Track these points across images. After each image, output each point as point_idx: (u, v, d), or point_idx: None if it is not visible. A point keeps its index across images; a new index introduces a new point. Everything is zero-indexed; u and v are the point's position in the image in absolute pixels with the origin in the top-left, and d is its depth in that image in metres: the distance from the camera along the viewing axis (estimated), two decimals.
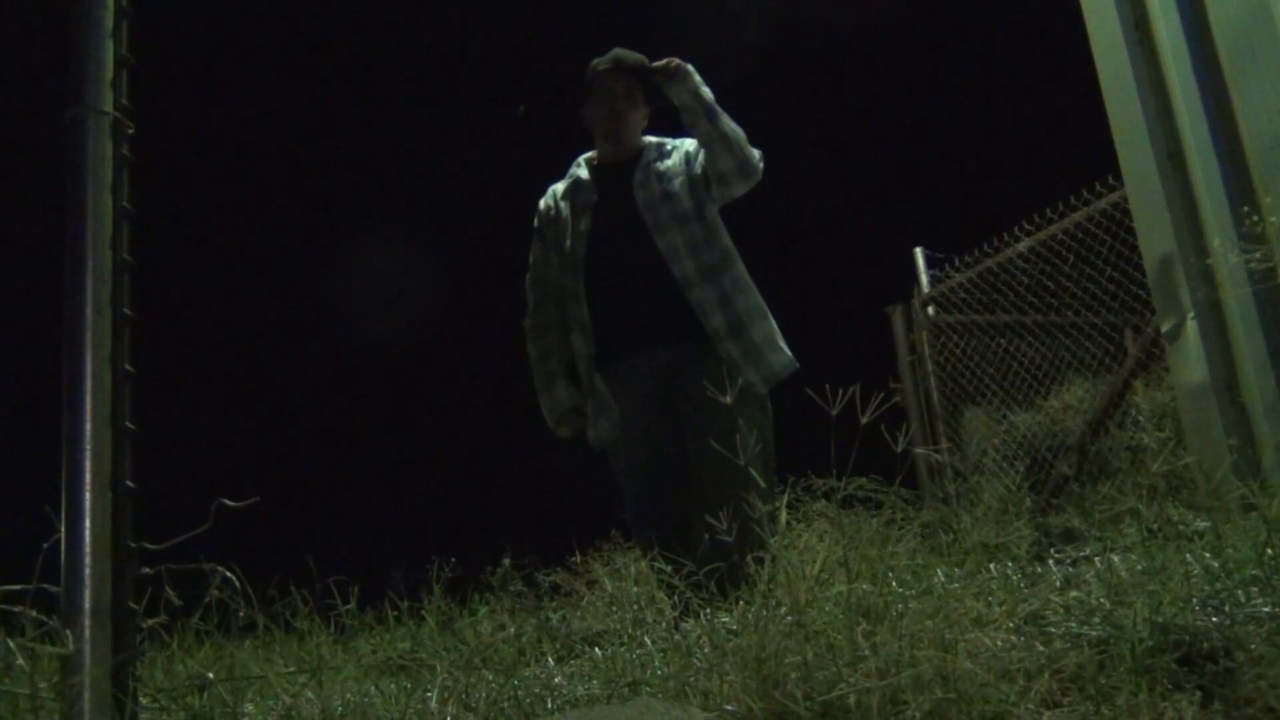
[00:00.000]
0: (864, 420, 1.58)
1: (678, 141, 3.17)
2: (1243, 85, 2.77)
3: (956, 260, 5.53)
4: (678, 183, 3.02)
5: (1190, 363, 2.83)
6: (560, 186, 3.22)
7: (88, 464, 1.44)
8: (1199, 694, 1.29)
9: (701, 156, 3.02)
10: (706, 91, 2.97)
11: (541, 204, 3.23)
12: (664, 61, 3.01)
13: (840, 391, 1.58)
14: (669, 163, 3.09)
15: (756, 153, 2.98)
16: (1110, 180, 4.54)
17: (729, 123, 2.95)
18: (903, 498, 2.39)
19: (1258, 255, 2.58)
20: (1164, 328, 2.93)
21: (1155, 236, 2.95)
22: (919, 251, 5.71)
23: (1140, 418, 4.29)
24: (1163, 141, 2.95)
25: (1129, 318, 4.71)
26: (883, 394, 1.58)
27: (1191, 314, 2.82)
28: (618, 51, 3.16)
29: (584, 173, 3.18)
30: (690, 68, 2.99)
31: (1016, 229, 5.11)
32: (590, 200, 3.10)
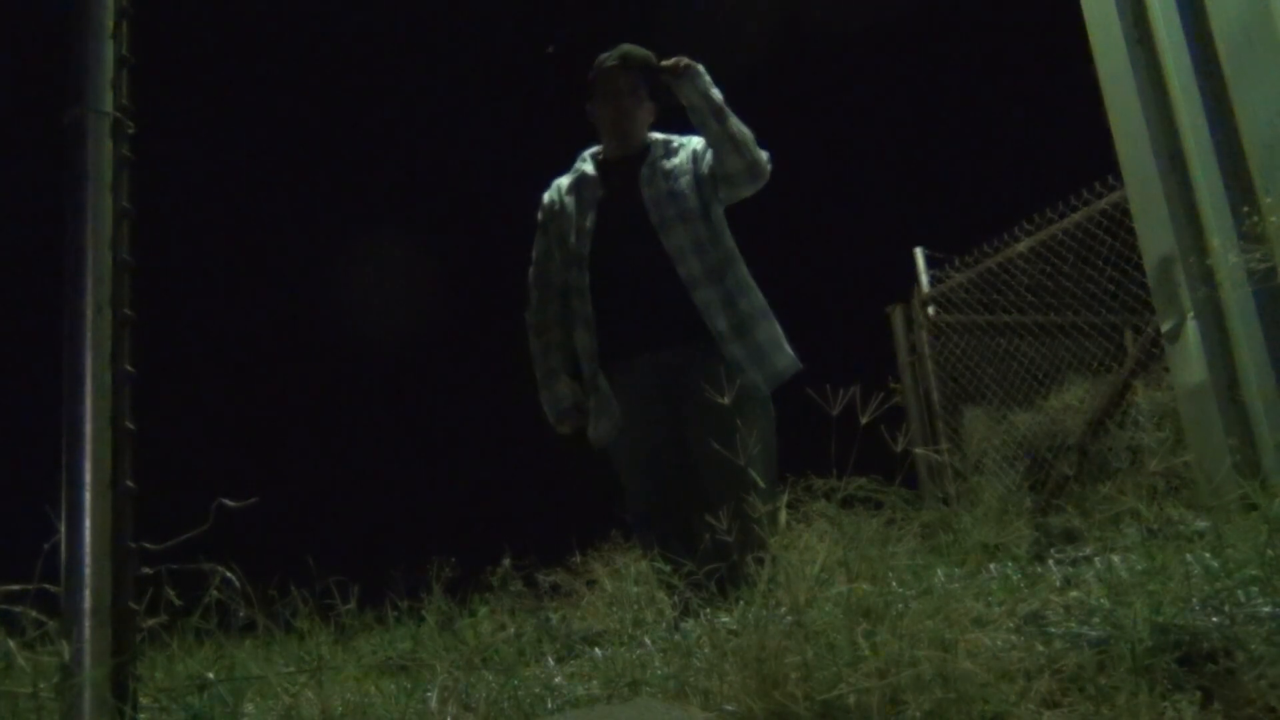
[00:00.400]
0: (864, 420, 1.57)
1: (684, 139, 3.15)
2: (1243, 85, 2.76)
3: (956, 260, 5.53)
4: (684, 181, 3.01)
5: (1190, 363, 2.83)
6: (565, 181, 3.21)
7: (88, 464, 1.44)
8: (1199, 694, 1.29)
9: (709, 156, 3.01)
10: (716, 92, 2.96)
11: (546, 198, 3.22)
12: (673, 60, 3.00)
13: (840, 391, 1.58)
14: (675, 160, 3.08)
15: (764, 154, 2.97)
16: (1110, 180, 4.54)
17: (738, 123, 2.94)
18: (903, 498, 2.39)
19: (1258, 255, 2.58)
20: (1164, 328, 2.93)
21: (1155, 236, 2.95)
22: (919, 251, 5.71)
23: (1140, 418, 4.29)
24: (1163, 141, 2.95)
25: (1129, 318, 4.71)
26: (883, 394, 1.58)
27: (1191, 314, 2.82)
28: (625, 48, 3.15)
29: (589, 168, 3.17)
30: (700, 67, 2.98)
31: (1016, 229, 5.12)
32: (596, 196, 3.09)
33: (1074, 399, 4.90)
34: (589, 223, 3.04)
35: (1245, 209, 2.69)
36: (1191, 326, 2.82)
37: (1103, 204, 4.58)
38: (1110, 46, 3.07)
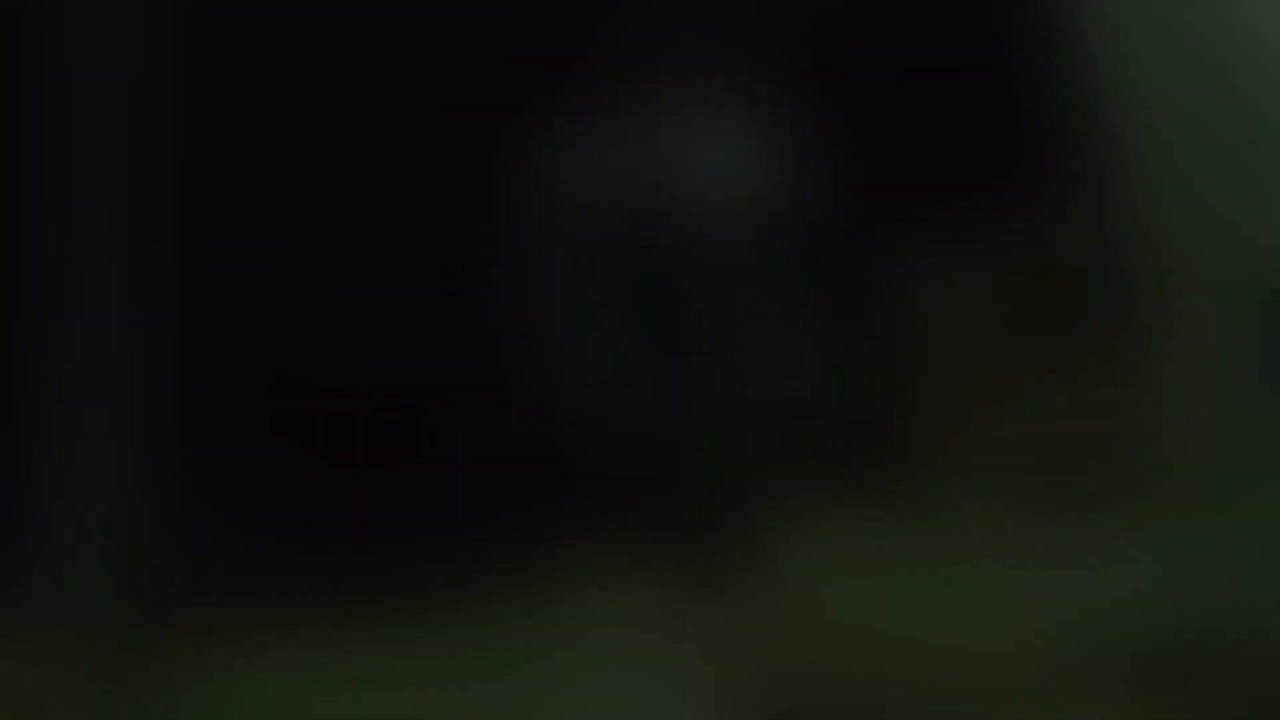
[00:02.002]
0: (864, 417, 1.58)
1: (708, 128, 3.09)
2: (1248, 75, 2.76)
3: (954, 259, 5.51)
4: (718, 172, 2.97)
5: (1189, 363, 2.84)
6: (579, 165, 3.15)
7: (106, 455, 1.44)
8: (1198, 694, 1.29)
9: (743, 145, 2.96)
10: (740, 83, 2.91)
11: (555, 184, 3.17)
12: (695, 50, 2.95)
13: (843, 388, 1.59)
14: (698, 149, 3.02)
15: (801, 146, 2.93)
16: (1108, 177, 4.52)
17: (775, 113, 2.90)
18: (902, 498, 2.39)
19: (1258, 256, 2.58)
20: (1160, 328, 2.93)
21: (1155, 235, 2.95)
22: (915, 250, 5.69)
23: (1137, 416, 4.28)
24: (1162, 132, 2.94)
25: (1129, 315, 4.70)
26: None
27: (1190, 314, 2.82)
28: (647, 29, 3.10)
29: (603, 154, 3.12)
30: (724, 56, 2.93)
31: (1013, 225, 5.09)
32: (611, 183, 3.05)
33: (1073, 397, 4.89)
34: (601, 211, 3.01)
35: (1246, 208, 2.70)
36: (1189, 327, 2.83)
37: (1102, 199, 4.57)
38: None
